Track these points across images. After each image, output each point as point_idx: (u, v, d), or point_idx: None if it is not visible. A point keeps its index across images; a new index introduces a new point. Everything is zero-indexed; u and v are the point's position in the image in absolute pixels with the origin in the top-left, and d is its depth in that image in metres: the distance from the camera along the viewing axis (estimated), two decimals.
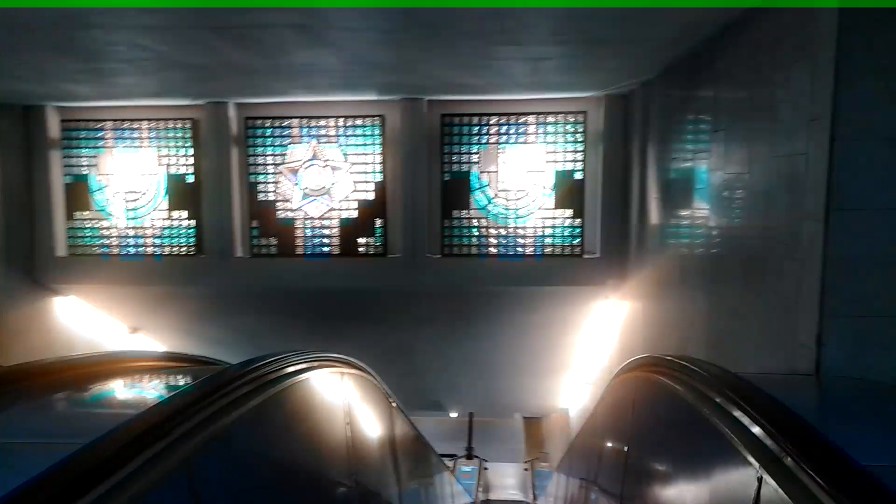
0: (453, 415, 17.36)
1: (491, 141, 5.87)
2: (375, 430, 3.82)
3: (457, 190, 5.95)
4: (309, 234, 6.13)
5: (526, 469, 17.22)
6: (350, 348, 8.09)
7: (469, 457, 17.82)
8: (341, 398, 2.97)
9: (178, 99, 5.86)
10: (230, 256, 6.15)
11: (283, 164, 6.02)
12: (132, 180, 6.13)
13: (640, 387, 2.57)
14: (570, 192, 5.88)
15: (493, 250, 6.02)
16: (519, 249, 5.99)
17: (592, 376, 8.65)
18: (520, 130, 5.82)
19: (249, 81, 5.16)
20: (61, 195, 6.20)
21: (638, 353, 5.21)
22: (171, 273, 6.25)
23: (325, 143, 5.97)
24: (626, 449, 2.71)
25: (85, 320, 6.92)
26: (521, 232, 5.97)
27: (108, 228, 6.24)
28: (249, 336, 8.07)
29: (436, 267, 6.08)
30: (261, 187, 6.08)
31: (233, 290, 6.53)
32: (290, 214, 6.11)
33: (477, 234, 6.01)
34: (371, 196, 6.02)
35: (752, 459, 1.28)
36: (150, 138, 6.05)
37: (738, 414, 1.42)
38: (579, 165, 5.84)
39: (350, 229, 6.09)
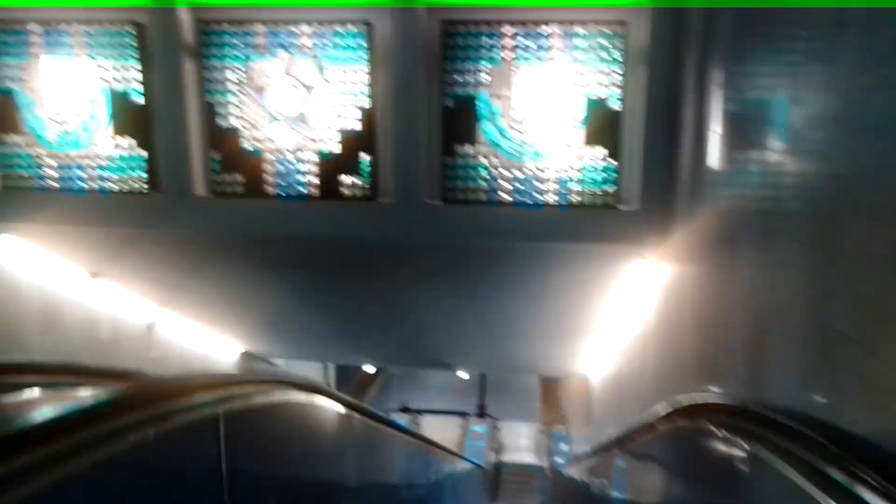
0: (463, 375, 16.55)
1: (505, 57, 4.62)
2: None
3: (461, 119, 4.76)
4: (282, 171, 5.02)
5: (542, 432, 16.46)
6: (340, 305, 7.07)
7: (481, 415, 17.12)
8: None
9: None
10: (189, 195, 5.09)
11: (246, 80, 4.87)
12: (69, 98, 5.04)
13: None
14: (603, 126, 4.65)
15: (505, 197, 4.86)
16: (538, 196, 4.82)
17: (618, 347, 7.58)
18: (541, 44, 4.56)
19: None
20: None
21: (683, 328, 4.08)
22: (121, 213, 5.23)
23: (299, 55, 4.78)
24: None
25: (31, 262, 5.98)
26: (541, 174, 4.79)
27: (43, 157, 5.19)
28: (225, 288, 7.10)
29: (435, 216, 4.95)
30: (220, 110, 4.95)
31: (197, 236, 5.50)
32: (256, 145, 4.99)
33: (486, 175, 4.84)
34: (356, 125, 4.86)
35: None
36: (87, 46, 4.92)
37: None
38: (616, 92, 4.59)
39: (331, 166, 4.97)
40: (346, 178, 4.97)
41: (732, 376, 3.23)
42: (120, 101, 4.98)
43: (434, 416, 17.20)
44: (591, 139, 4.68)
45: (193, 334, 9.32)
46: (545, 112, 4.66)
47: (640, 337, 6.10)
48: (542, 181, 4.79)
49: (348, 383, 18.55)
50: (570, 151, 4.72)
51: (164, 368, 8.61)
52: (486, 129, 4.75)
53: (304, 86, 4.82)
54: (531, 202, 4.83)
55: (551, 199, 4.81)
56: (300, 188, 5.02)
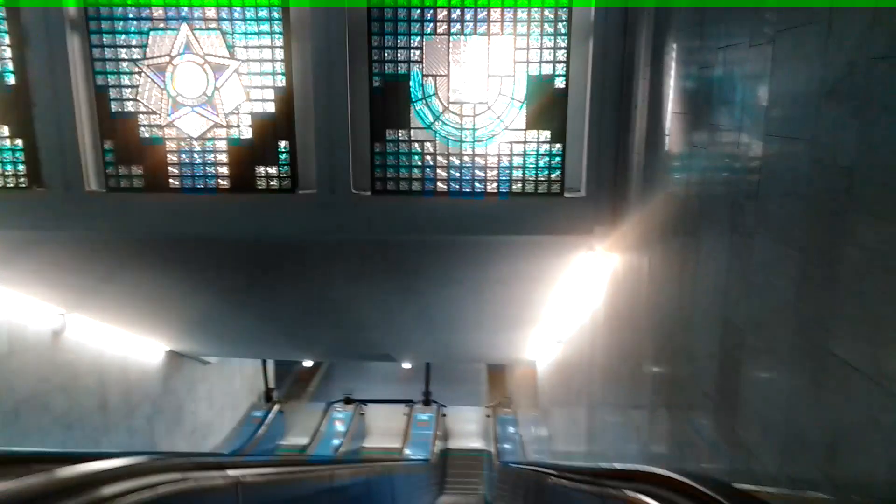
0: (406, 366, 16.14)
1: (439, 30, 4.14)
2: None
3: (392, 100, 4.25)
4: (186, 161, 4.41)
5: (488, 416, 16.26)
6: (268, 302, 6.45)
7: (427, 402, 16.79)
8: None
9: None
10: (78, 190, 4.42)
11: (143, 59, 4.22)
12: None
13: None
14: (547, 106, 4.25)
15: (441, 185, 4.40)
16: (477, 185, 4.38)
17: (564, 335, 7.30)
18: (480, 16, 4.10)
19: None
20: None
21: (634, 320, 3.73)
22: None
23: (203, 29, 4.16)
24: None
25: None
26: (480, 161, 4.35)
27: None
28: (140, 288, 6.42)
29: (364, 208, 4.45)
30: (114, 93, 4.29)
31: (91, 235, 4.83)
32: (157, 132, 4.36)
33: (420, 162, 4.37)
34: (271, 108, 4.29)
35: None
36: None
37: None
38: (560, 69, 4.18)
39: (244, 154, 4.39)
40: (261, 168, 4.40)
41: (691, 385, 2.90)
42: None
43: (379, 405, 16.77)
44: (534, 121, 4.26)
45: (110, 338, 8.54)
46: (484, 91, 4.21)
47: (589, 326, 5.80)
48: (481, 168, 4.35)
49: (287, 377, 17.88)
50: (512, 135, 4.30)
51: (75, 373, 7.85)
52: (419, 110, 4.27)
53: (211, 64, 4.21)
54: (469, 191, 4.39)
55: (491, 187, 4.38)
56: (208, 180, 4.43)
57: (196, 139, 4.35)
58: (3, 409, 6.58)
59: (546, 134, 4.28)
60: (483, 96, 4.23)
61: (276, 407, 15.40)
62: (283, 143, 4.35)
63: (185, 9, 4.12)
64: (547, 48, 4.15)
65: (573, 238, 4.49)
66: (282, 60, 4.20)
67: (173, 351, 10.37)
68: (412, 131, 4.31)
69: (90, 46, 4.19)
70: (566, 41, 4.12)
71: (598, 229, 4.36)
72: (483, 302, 6.45)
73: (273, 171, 4.40)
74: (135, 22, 4.15)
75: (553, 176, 4.34)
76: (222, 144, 4.36)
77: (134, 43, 4.19)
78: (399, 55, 4.17)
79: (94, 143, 4.39)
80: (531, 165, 4.32)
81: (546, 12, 4.08)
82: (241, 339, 9.99)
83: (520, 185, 4.36)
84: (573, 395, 6.94)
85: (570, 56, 4.15)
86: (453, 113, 4.26)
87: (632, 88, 3.95)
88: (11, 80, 4.24)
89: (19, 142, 4.35)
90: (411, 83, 4.22)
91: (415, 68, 4.19)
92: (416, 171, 4.37)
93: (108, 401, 8.71)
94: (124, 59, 4.21)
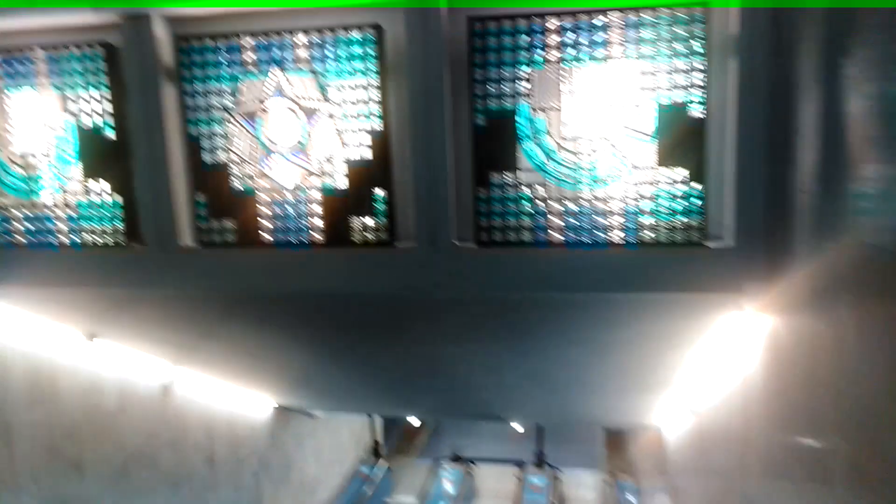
0: (518, 428, 15.25)
1: (550, 57, 3.61)
2: None
3: (497, 139, 3.75)
4: (279, 213, 4.11)
5: (607, 482, 14.94)
6: (371, 358, 5.98)
7: (539, 464, 15.73)
8: None
9: (83, 12, 3.94)
10: (173, 247, 4.24)
11: (234, 105, 4.01)
12: (32, 137, 4.30)
13: None
14: (682, 139, 3.56)
15: (556, 235, 3.80)
16: (599, 234, 3.74)
17: (702, 403, 6.33)
18: (596, 38, 3.54)
19: None
20: None
21: (809, 396, 2.93)
22: (97, 268, 4.41)
23: (294, 70, 3.90)
24: None
25: (13, 326, 5.25)
26: (601, 205, 3.72)
27: (8, 207, 4.45)
28: (243, 344, 6.24)
29: (468, 261, 3.93)
30: (205, 143, 4.10)
31: (187, 293, 4.63)
32: (249, 182, 4.10)
33: (531, 208, 3.80)
34: (367, 153, 3.92)
35: None
36: (52, 74, 4.17)
37: None
38: (697, 94, 3.51)
39: (338, 204, 4.03)
40: (356, 219, 4.01)
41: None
42: (89, 138, 4.19)
43: (488, 464, 15.95)
44: (667, 157, 3.59)
45: (217, 391, 8.50)
46: (604, 125, 3.61)
47: (739, 397, 4.87)
48: (602, 213, 3.71)
49: (395, 430, 17.49)
50: (639, 174, 3.64)
51: (183, 429, 7.80)
52: (528, 150, 3.73)
53: (303, 108, 3.92)
54: (589, 241, 3.75)
55: (616, 236, 3.72)
56: (301, 234, 4.09)
57: (288, 189, 4.05)
58: (113, 466, 6.55)
59: (682, 172, 3.58)
60: (603, 130, 3.62)
61: (384, 463, 15.00)
62: (379, 192, 3.94)
63: (278, 51, 3.87)
64: (680, 71, 3.49)
65: (717, 295, 3.71)
66: (378, 101, 3.83)
67: (281, 406, 10.26)
68: (521, 173, 3.76)
69: (183, 94, 4.04)
70: (703, 61, 3.45)
71: (749, 286, 3.55)
72: (605, 364, 5.69)
73: (369, 222, 4.00)
74: (227, 67, 3.95)
75: (692, 222, 3.61)
76: (316, 194, 4.03)
77: (226, 89, 3.98)
78: (504, 88, 3.67)
79: (188, 196, 4.21)
80: (664, 209, 3.63)
81: (677, 29, 3.45)
82: (345, 395, 9.70)
83: (651, 233, 3.67)
84: (716, 470, 5.96)
85: (709, 78, 3.47)
86: (568, 151, 3.68)
87: (792, 112, 3.20)
88: (111, 134, 4.15)
89: (118, 197, 4.25)
90: (519, 119, 3.70)
91: (522, 102, 3.67)
92: (525, 218, 3.80)
93: (216, 456, 8.62)
94: (216, 107, 4.02)
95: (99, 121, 4.15)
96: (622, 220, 3.69)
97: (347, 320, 5.44)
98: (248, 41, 3.91)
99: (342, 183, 3.99)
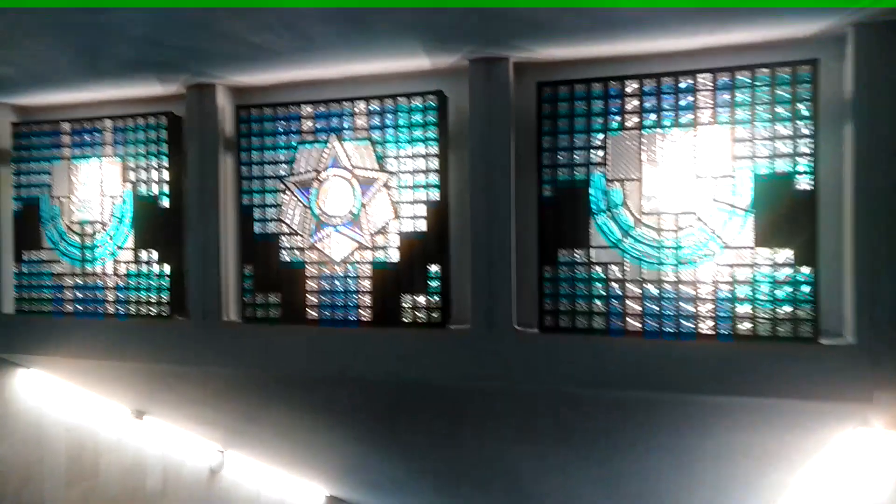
0: None
1: (628, 122, 3.24)
2: None
3: (566, 212, 3.35)
4: (326, 287, 3.81)
5: None
6: (419, 457, 5.49)
7: None
8: None
9: (149, 82, 3.94)
10: (216, 321, 4.00)
11: (289, 174, 3.82)
12: (89, 205, 4.25)
13: None
14: (786, 215, 3.05)
15: (634, 322, 3.29)
16: (685, 323, 3.20)
17: None
18: (682, 101, 3.15)
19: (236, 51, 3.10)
20: (10, 227, 4.47)
21: None
22: (140, 341, 4.22)
23: (351, 139, 3.69)
24: None
25: (58, 400, 5.10)
26: (688, 289, 3.20)
27: (62, 276, 4.37)
28: (292, 427, 5.87)
29: (530, 349, 3.45)
30: (258, 213, 3.91)
31: (230, 371, 4.35)
32: (297, 255, 3.85)
33: (604, 290, 3.32)
34: (422, 225, 3.60)
35: None
36: (114, 144, 4.16)
37: None
38: (805, 163, 3.02)
39: (389, 280, 3.69)
40: (408, 297, 3.65)
41: None
42: (144, 206, 4.10)
43: None
44: (767, 236, 3.07)
45: (267, 476, 8.07)
46: (691, 196, 3.16)
47: None
48: (689, 299, 3.19)
49: None
50: (733, 255, 3.13)
51: None
52: (602, 224, 3.30)
53: (359, 178, 3.68)
54: (673, 330, 3.21)
55: (706, 325, 3.17)
56: (349, 311, 3.76)
57: (338, 262, 3.76)
58: None
59: (786, 253, 3.05)
60: (690, 204, 3.16)
61: None
62: (434, 268, 3.59)
63: (336, 119, 3.70)
64: (781, 137, 3.03)
65: (835, 405, 3.04)
66: (437, 170, 3.54)
67: (333, 497, 9.68)
68: (593, 251, 3.32)
69: (239, 164, 3.90)
70: (810, 124, 2.99)
71: (879, 395, 2.89)
72: (692, 478, 4.91)
73: (421, 300, 3.62)
74: (284, 136, 3.80)
75: (800, 312, 3.03)
76: (366, 269, 3.72)
77: (282, 158, 3.82)
78: (575, 157, 3.31)
79: (236, 268, 4.00)
80: (765, 296, 3.07)
81: (779, 90, 3.02)
82: (402, 488, 9.03)
83: (748, 324, 3.10)
84: None
85: (818, 144, 2.99)
86: (649, 226, 3.23)
87: None
88: (165, 202, 4.05)
89: (166, 267, 4.08)
90: (592, 190, 3.30)
91: (596, 171, 3.28)
92: (598, 301, 3.32)
93: None
94: (270, 177, 3.85)
95: (156, 189, 4.07)
96: (713, 307, 3.15)
97: (391, 407, 4.99)
98: (307, 110, 3.76)
99: (394, 256, 3.66)
